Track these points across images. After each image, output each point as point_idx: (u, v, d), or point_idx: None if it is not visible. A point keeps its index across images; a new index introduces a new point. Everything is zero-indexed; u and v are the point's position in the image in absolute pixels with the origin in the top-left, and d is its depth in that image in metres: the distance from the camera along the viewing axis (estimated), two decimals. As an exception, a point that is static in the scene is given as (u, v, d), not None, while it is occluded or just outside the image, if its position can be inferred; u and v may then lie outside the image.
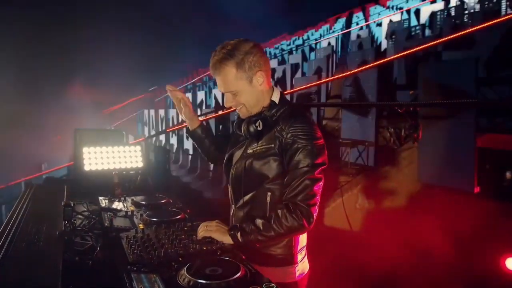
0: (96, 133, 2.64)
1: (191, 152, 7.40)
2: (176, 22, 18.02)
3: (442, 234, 2.86)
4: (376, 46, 8.15)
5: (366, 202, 4.00)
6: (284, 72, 7.39)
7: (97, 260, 1.32)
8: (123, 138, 2.73)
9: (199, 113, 7.74)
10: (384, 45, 8.39)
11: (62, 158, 8.30)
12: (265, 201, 1.52)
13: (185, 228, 1.54)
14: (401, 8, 10.33)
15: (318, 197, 1.45)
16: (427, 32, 7.13)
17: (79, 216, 1.76)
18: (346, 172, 4.50)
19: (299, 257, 1.57)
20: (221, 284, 1.10)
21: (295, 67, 7.71)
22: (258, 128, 1.53)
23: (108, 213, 1.77)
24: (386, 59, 5.60)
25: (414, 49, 5.26)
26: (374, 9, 12.47)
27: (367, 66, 5.08)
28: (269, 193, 1.52)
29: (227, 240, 1.44)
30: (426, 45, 5.24)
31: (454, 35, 5.09)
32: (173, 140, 8.81)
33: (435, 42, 5.33)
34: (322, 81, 6.01)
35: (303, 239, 1.60)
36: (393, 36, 7.41)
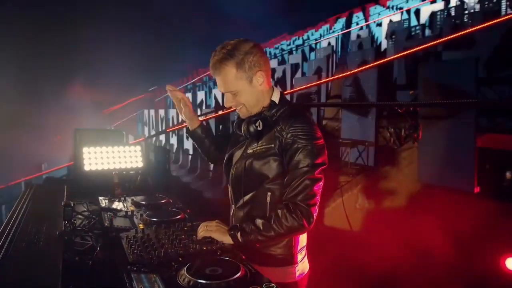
0: (96, 133, 2.64)
1: (191, 152, 7.40)
2: (176, 22, 18.03)
3: (442, 234, 2.86)
4: (376, 46, 8.15)
5: (366, 202, 4.00)
6: (284, 72, 7.39)
7: (97, 260, 1.32)
8: (123, 138, 2.73)
9: (199, 113, 7.75)
10: (384, 45, 8.38)
11: (62, 158, 8.30)
12: (265, 201, 1.52)
13: (185, 228, 1.54)
14: (401, 8, 10.33)
15: (318, 197, 1.45)
16: (427, 32, 7.13)
17: (79, 216, 1.76)
18: (346, 172, 4.50)
19: (299, 257, 1.57)
20: (221, 284, 1.10)
21: (295, 67, 7.71)
22: (258, 128, 1.53)
23: (108, 213, 1.77)
24: (386, 59, 5.60)
25: (414, 49, 5.26)
26: (374, 9, 12.47)
27: (367, 66, 5.08)
28: (269, 193, 1.52)
29: (227, 240, 1.44)
30: (426, 45, 5.24)
31: (454, 35, 5.09)
32: (173, 140, 8.81)
33: (435, 42, 5.33)
34: (322, 81, 6.01)
35: (303, 239, 1.60)
36: (393, 36, 7.41)
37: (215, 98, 8.48)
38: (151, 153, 3.02)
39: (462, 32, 5.05)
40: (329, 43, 9.87)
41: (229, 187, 1.67)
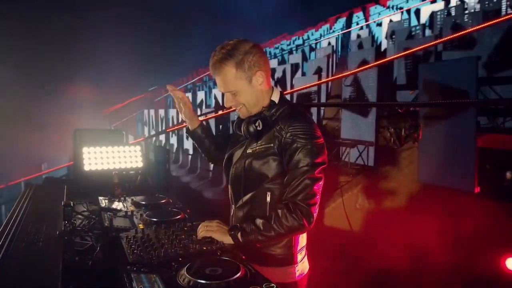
0: (96, 133, 2.64)
1: (191, 152, 7.40)
2: (176, 22, 18.04)
3: (442, 234, 2.86)
4: (376, 46, 8.14)
5: (366, 202, 4.00)
6: (284, 72, 7.39)
7: (97, 260, 1.32)
8: (123, 138, 2.73)
9: (199, 113, 7.74)
10: (384, 45, 8.38)
11: (62, 158, 8.31)
12: (265, 201, 1.52)
13: (185, 228, 1.53)
14: (401, 8, 10.32)
15: (318, 196, 1.45)
16: (427, 32, 7.12)
17: (79, 216, 1.76)
18: (346, 172, 4.50)
19: (299, 257, 1.57)
20: (221, 284, 1.10)
21: (295, 67, 7.71)
22: (258, 128, 1.53)
23: (108, 213, 1.77)
24: (386, 59, 5.60)
25: (414, 49, 5.26)
26: (374, 9, 12.46)
27: (367, 66, 5.08)
28: (268, 193, 1.52)
29: (227, 240, 1.43)
30: (426, 45, 5.24)
31: (454, 35, 5.09)
32: (173, 140, 8.81)
33: (435, 42, 5.32)
34: (322, 81, 6.01)
35: (302, 239, 1.60)
36: (393, 36, 7.40)
37: (215, 98, 8.47)
38: (151, 153, 3.02)
39: (462, 32, 5.05)
40: (329, 43, 9.87)
41: (229, 187, 1.67)
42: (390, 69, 5.77)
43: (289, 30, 16.94)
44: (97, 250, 1.37)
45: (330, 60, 7.38)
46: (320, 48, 9.51)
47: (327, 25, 14.15)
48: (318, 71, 6.78)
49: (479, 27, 4.85)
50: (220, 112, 6.17)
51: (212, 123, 6.42)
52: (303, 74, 7.82)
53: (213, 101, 8.72)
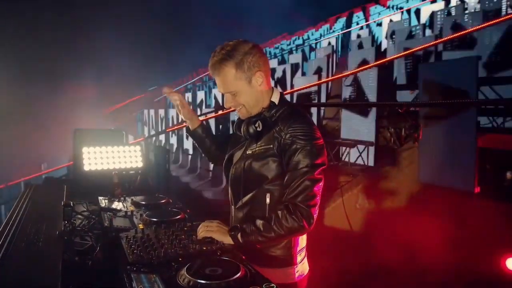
0: (96, 133, 2.63)
1: (191, 152, 7.40)
2: (176, 22, 18.04)
3: (442, 234, 2.86)
4: (376, 46, 8.14)
5: (366, 202, 4.00)
6: (284, 72, 7.39)
7: (97, 260, 1.31)
8: (123, 138, 2.72)
9: (199, 113, 7.74)
10: (384, 45, 8.38)
11: (61, 158, 8.31)
12: (264, 202, 1.52)
13: (185, 228, 1.53)
14: (401, 8, 10.32)
15: (318, 197, 1.45)
16: (427, 32, 7.12)
17: (79, 216, 1.76)
18: (346, 172, 4.50)
19: (299, 258, 1.57)
20: (221, 284, 1.10)
21: (295, 67, 7.71)
22: (258, 129, 1.52)
23: (108, 213, 1.77)
24: (386, 59, 5.60)
25: (414, 49, 5.26)
26: (374, 9, 12.45)
27: (367, 66, 5.08)
28: (268, 194, 1.52)
29: (227, 240, 1.43)
30: (426, 45, 5.24)
31: (454, 35, 5.09)
32: (173, 140, 8.81)
33: (435, 42, 5.32)
34: (322, 81, 6.01)
35: (302, 240, 1.59)
36: (393, 36, 7.40)
37: (215, 98, 8.47)
38: (151, 153, 3.02)
39: (462, 32, 5.05)
40: (329, 43, 9.86)
41: (228, 187, 1.67)
42: (390, 69, 5.77)
43: (289, 30, 16.95)
44: (97, 250, 1.37)
45: (330, 60, 7.39)
46: (320, 48, 9.51)
47: (327, 25, 14.15)
48: (318, 71, 6.79)
49: (479, 27, 4.85)
50: (220, 112, 6.17)
51: (212, 123, 6.42)
52: (303, 74, 7.82)
53: (213, 101, 8.73)
